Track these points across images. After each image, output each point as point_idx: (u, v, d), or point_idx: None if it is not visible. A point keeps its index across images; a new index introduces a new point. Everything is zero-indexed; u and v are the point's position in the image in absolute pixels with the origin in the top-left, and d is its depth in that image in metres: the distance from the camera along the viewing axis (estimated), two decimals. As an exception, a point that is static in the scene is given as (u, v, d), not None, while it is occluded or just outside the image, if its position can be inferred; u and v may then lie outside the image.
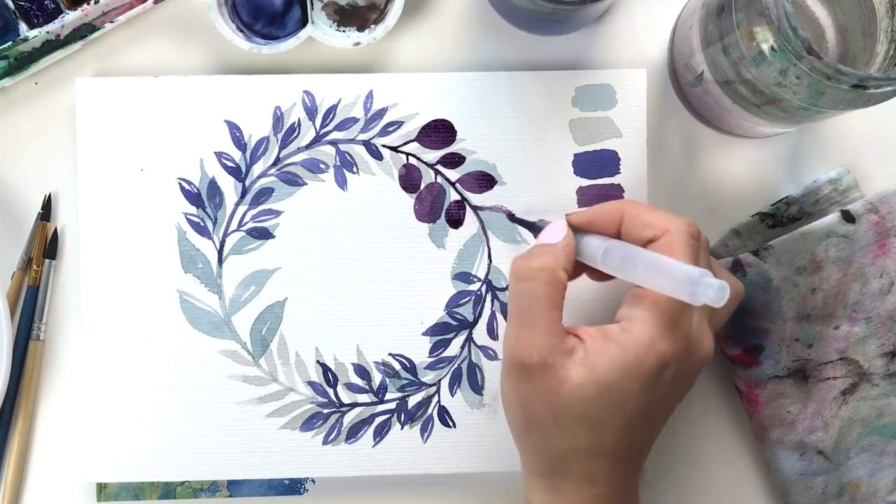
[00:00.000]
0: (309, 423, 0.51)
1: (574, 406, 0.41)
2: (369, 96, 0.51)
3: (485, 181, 0.52)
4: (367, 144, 0.51)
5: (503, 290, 0.52)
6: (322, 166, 0.51)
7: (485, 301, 0.52)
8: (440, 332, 0.52)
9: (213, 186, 0.51)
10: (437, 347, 0.52)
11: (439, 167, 0.51)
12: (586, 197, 0.52)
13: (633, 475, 0.44)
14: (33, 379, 0.52)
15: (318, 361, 0.51)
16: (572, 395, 0.41)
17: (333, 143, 0.51)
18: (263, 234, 0.51)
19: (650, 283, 0.41)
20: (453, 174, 0.52)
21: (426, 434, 0.51)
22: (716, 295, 0.37)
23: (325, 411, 0.51)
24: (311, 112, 0.51)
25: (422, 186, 0.52)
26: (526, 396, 0.42)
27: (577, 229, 0.46)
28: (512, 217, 0.51)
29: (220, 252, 0.51)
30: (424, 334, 0.52)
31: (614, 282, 0.46)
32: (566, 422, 0.41)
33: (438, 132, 0.51)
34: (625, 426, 0.42)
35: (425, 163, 0.51)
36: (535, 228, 0.49)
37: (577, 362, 0.41)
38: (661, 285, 0.40)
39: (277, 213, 0.51)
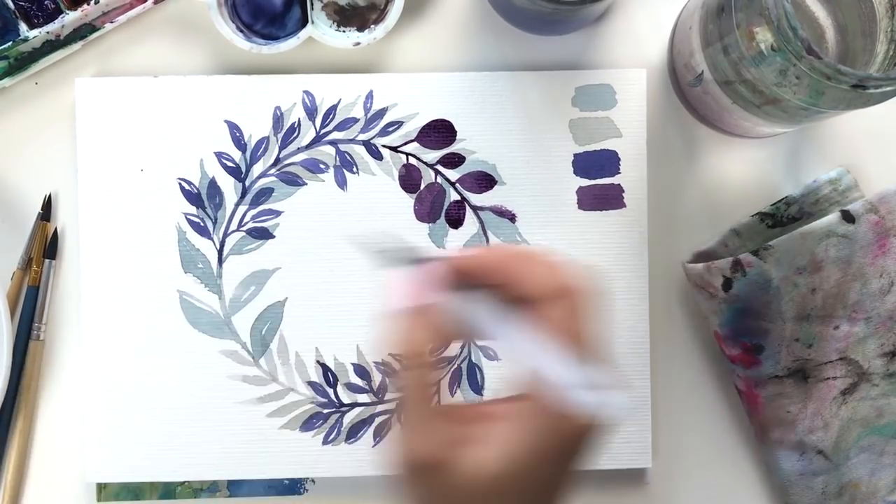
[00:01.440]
0: (309, 423, 0.51)
1: (476, 498, 0.37)
2: (369, 96, 0.51)
3: (485, 181, 0.52)
4: (367, 144, 0.51)
5: (503, 290, 0.52)
6: (322, 166, 0.51)
7: (485, 301, 0.52)
8: (440, 332, 0.52)
9: (213, 186, 0.51)
10: (436, 347, 0.51)
11: (439, 167, 0.52)
12: (586, 197, 0.52)
13: None
14: (33, 379, 0.52)
15: (318, 361, 0.51)
16: (473, 488, 0.36)
17: (333, 143, 0.51)
18: (263, 234, 0.51)
19: (528, 367, 0.36)
20: (453, 174, 0.52)
21: (426, 434, 0.51)
22: (595, 406, 0.34)
23: (325, 411, 0.51)
24: (311, 112, 0.51)
25: (422, 186, 0.52)
26: (425, 497, 0.38)
27: (451, 279, 0.39)
28: (361, 245, 0.49)
29: (220, 252, 0.51)
30: (424, 334, 0.51)
31: None
32: None
33: (438, 132, 0.51)
34: None
35: (425, 163, 0.51)
36: (399, 262, 0.40)
37: (470, 451, 0.36)
38: (540, 373, 0.36)
39: (277, 213, 0.51)
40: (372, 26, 0.51)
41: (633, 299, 0.52)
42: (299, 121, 0.51)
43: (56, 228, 0.52)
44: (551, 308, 0.37)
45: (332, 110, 0.51)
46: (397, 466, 0.38)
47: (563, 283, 0.37)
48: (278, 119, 0.51)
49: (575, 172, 0.52)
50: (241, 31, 0.51)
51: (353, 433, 0.51)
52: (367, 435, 0.51)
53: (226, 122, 0.51)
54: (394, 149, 0.51)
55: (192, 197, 0.51)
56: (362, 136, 0.51)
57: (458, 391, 0.52)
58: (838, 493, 0.51)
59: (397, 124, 0.51)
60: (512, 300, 0.37)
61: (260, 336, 0.51)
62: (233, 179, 0.51)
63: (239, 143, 0.51)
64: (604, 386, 0.34)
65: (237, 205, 0.51)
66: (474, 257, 0.39)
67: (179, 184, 0.51)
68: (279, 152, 0.51)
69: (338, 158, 0.51)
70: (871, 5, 0.45)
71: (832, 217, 0.50)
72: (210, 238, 0.51)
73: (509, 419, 0.37)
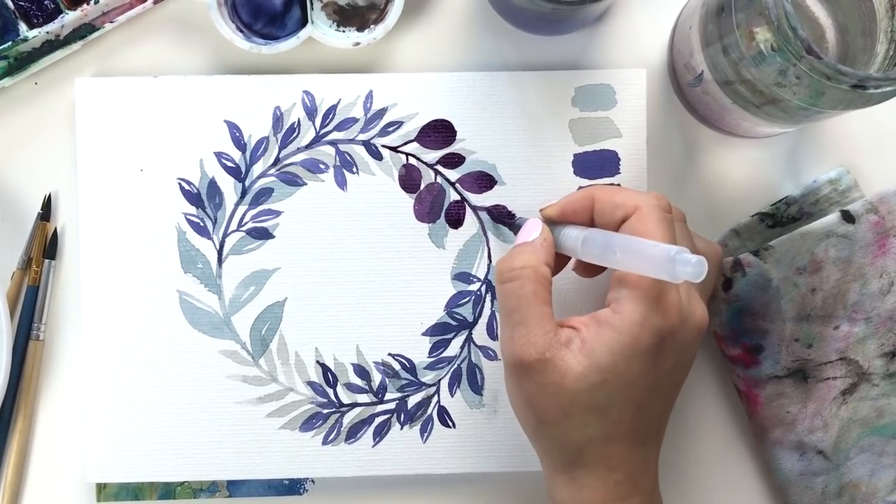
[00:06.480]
0: (309, 423, 0.51)
1: (580, 396, 0.41)
2: (369, 96, 0.51)
3: (485, 181, 0.52)
4: (367, 144, 0.51)
5: (503, 290, 0.52)
6: (322, 166, 0.51)
7: (485, 301, 0.52)
8: (440, 333, 0.52)
9: (213, 186, 0.51)
10: (436, 347, 0.52)
11: (439, 167, 0.52)
12: (586, 197, 0.52)
13: (651, 458, 0.44)
14: (33, 379, 0.52)
15: (317, 361, 0.51)
16: (576, 385, 0.41)
17: (333, 143, 0.51)
18: (263, 235, 0.51)
19: (630, 266, 0.41)
20: (453, 174, 0.52)
21: (426, 434, 0.51)
22: (694, 271, 0.38)
23: (325, 411, 0.51)
24: (310, 112, 0.51)
25: (422, 186, 0.52)
26: (531, 394, 0.42)
27: (553, 222, 0.46)
28: (493, 216, 0.51)
29: (219, 252, 0.51)
30: (424, 334, 0.52)
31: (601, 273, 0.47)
32: (575, 412, 0.41)
33: (438, 132, 0.51)
34: (635, 407, 0.42)
35: (425, 163, 0.51)
36: (513, 227, 0.49)
37: (576, 352, 0.41)
38: (640, 268, 0.40)
39: (277, 214, 0.51)
40: (372, 26, 0.51)
41: (633, 299, 0.52)
42: (299, 121, 0.51)
43: (56, 228, 0.52)
44: (637, 220, 0.42)
45: (331, 110, 0.51)
46: (508, 365, 0.43)
47: (644, 198, 0.43)
48: (278, 119, 0.51)
49: (575, 172, 0.52)
50: (241, 31, 0.51)
51: (353, 433, 0.51)
52: (367, 435, 0.51)
53: (226, 122, 0.51)
54: (394, 149, 0.51)
55: (192, 197, 0.51)
56: (362, 136, 0.51)
57: (458, 391, 0.52)
58: (838, 493, 0.51)
59: (397, 124, 0.51)
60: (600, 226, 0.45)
61: (260, 336, 0.51)
62: (233, 179, 0.51)
63: (239, 143, 0.51)
64: (692, 260, 0.38)
65: (237, 205, 0.51)
66: (566, 202, 0.46)
67: (179, 184, 0.51)
68: (279, 152, 0.51)
69: (338, 158, 0.51)
70: (872, 5, 0.45)
71: (832, 217, 0.50)
72: (210, 238, 0.51)
73: (600, 324, 0.41)
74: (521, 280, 0.43)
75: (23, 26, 0.50)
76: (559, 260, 0.46)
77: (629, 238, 0.41)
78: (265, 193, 0.51)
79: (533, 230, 0.45)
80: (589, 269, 0.48)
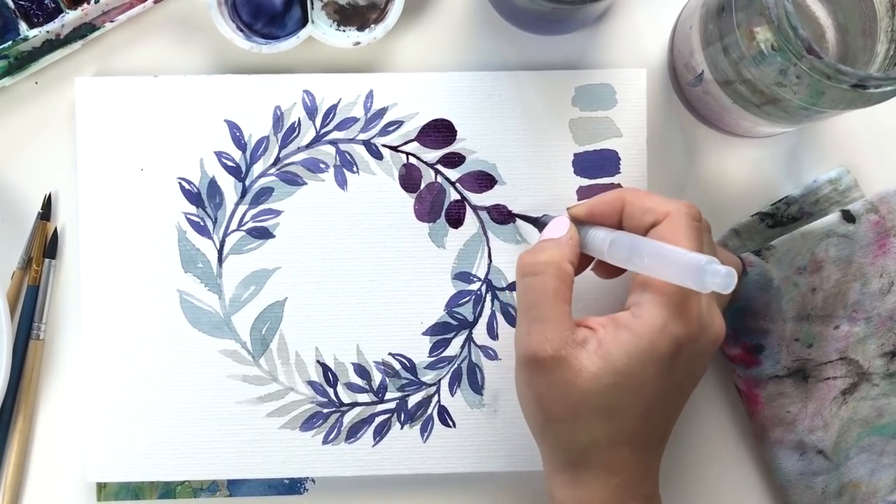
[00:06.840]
0: (309, 423, 0.51)
1: (591, 396, 0.41)
2: (369, 96, 0.51)
3: (485, 181, 0.52)
4: (368, 144, 0.51)
5: (503, 289, 0.52)
6: (322, 166, 0.51)
7: (485, 301, 0.52)
8: (440, 332, 0.52)
9: (213, 186, 0.51)
10: (437, 347, 0.52)
11: (439, 167, 0.52)
12: (587, 197, 0.52)
13: (652, 464, 0.44)
14: (33, 379, 0.52)
15: (317, 361, 0.51)
16: (588, 385, 0.41)
17: (333, 142, 0.51)
18: (263, 234, 0.51)
19: (657, 272, 0.41)
20: (453, 174, 0.52)
21: (426, 434, 0.51)
22: (723, 282, 0.38)
23: (325, 411, 0.51)
24: (311, 112, 0.51)
25: (422, 186, 0.52)
26: (541, 391, 0.42)
27: (580, 222, 0.46)
28: (516, 214, 0.51)
29: (220, 252, 0.51)
30: (424, 334, 0.52)
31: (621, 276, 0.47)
32: (584, 413, 0.41)
33: (438, 132, 0.51)
34: (643, 413, 0.42)
35: (425, 162, 0.51)
36: (539, 224, 0.49)
37: (591, 352, 0.41)
38: (668, 274, 0.40)
39: (277, 213, 0.51)
40: (372, 26, 0.51)
41: (634, 299, 0.52)
42: (299, 120, 0.51)
43: (56, 228, 0.52)
44: (667, 226, 0.42)
45: (332, 110, 0.51)
46: (521, 360, 0.43)
47: (675, 205, 0.43)
48: (278, 119, 0.51)
49: (575, 172, 0.52)
50: (241, 30, 0.51)
51: (353, 433, 0.51)
52: (367, 435, 0.51)
53: (226, 121, 0.51)
54: (394, 148, 0.51)
55: (192, 196, 0.51)
56: (362, 136, 0.51)
57: (459, 391, 0.52)
58: (838, 493, 0.51)
59: (397, 124, 0.51)
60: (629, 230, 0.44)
61: (260, 336, 0.51)
62: (233, 179, 0.51)
63: (239, 142, 0.51)
64: (722, 271, 0.38)
65: (237, 204, 0.51)
66: (595, 202, 0.46)
67: (179, 183, 0.51)
68: (279, 152, 0.51)
69: (338, 158, 0.51)
70: (872, 5, 0.45)
71: (832, 217, 0.50)
72: (210, 238, 0.51)
73: (618, 326, 0.41)
74: (543, 276, 0.43)
75: (23, 25, 0.50)
76: (581, 261, 0.46)
77: (658, 244, 0.41)
78: (265, 193, 0.51)
79: (560, 228, 0.45)
80: (609, 271, 0.47)
